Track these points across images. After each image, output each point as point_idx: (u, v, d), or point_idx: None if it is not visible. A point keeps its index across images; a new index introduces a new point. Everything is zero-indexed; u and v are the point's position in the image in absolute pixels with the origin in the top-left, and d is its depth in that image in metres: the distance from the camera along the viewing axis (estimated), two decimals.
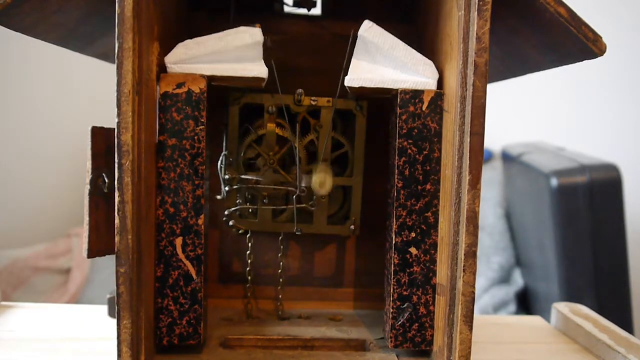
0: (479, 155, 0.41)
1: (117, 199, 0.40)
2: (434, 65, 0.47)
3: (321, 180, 0.50)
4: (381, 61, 0.47)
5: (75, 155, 1.55)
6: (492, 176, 1.58)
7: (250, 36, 0.46)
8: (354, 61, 0.48)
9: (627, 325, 1.13)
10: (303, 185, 0.52)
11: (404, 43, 0.47)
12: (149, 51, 0.42)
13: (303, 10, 0.57)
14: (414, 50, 0.47)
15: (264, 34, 0.47)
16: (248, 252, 0.56)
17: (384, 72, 0.47)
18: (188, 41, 0.46)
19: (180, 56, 0.46)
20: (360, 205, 0.55)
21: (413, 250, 0.47)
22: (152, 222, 0.44)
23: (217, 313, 0.57)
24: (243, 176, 0.52)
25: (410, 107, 0.46)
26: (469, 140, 0.41)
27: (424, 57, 0.47)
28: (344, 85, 0.48)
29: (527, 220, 1.38)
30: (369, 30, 0.47)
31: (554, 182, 1.15)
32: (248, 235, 0.56)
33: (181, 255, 0.45)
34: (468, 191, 0.41)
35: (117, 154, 0.40)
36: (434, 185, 0.46)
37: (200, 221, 0.45)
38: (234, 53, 0.46)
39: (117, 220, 0.40)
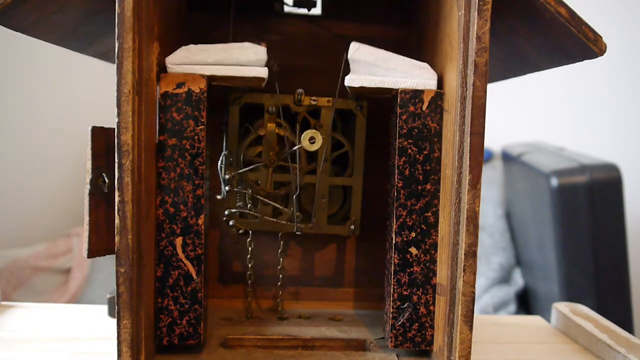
0: (479, 155, 0.41)
1: (117, 199, 0.40)
2: (430, 68, 0.47)
3: (311, 137, 0.50)
4: (378, 73, 0.47)
5: (75, 155, 1.55)
6: (492, 176, 1.58)
7: (255, 53, 0.46)
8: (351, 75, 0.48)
9: (627, 325, 1.13)
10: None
11: (395, 54, 0.47)
12: (149, 51, 0.42)
13: (303, 10, 0.57)
14: (407, 58, 0.47)
15: (271, 60, 0.47)
16: (248, 252, 0.56)
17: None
18: (192, 46, 0.46)
19: (182, 59, 0.46)
20: (360, 205, 0.55)
21: (413, 250, 0.47)
22: (152, 222, 0.44)
23: (217, 313, 0.57)
24: (241, 171, 0.52)
25: (411, 107, 0.46)
26: (469, 140, 0.41)
27: (418, 62, 0.47)
28: (344, 85, 0.48)
29: (527, 220, 1.38)
30: (357, 52, 0.47)
31: (554, 182, 1.15)
32: (248, 236, 0.56)
33: (181, 255, 0.45)
34: (468, 191, 0.41)
35: (117, 154, 0.40)
36: (434, 185, 0.46)
37: (200, 221, 0.45)
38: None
39: (117, 220, 0.40)
